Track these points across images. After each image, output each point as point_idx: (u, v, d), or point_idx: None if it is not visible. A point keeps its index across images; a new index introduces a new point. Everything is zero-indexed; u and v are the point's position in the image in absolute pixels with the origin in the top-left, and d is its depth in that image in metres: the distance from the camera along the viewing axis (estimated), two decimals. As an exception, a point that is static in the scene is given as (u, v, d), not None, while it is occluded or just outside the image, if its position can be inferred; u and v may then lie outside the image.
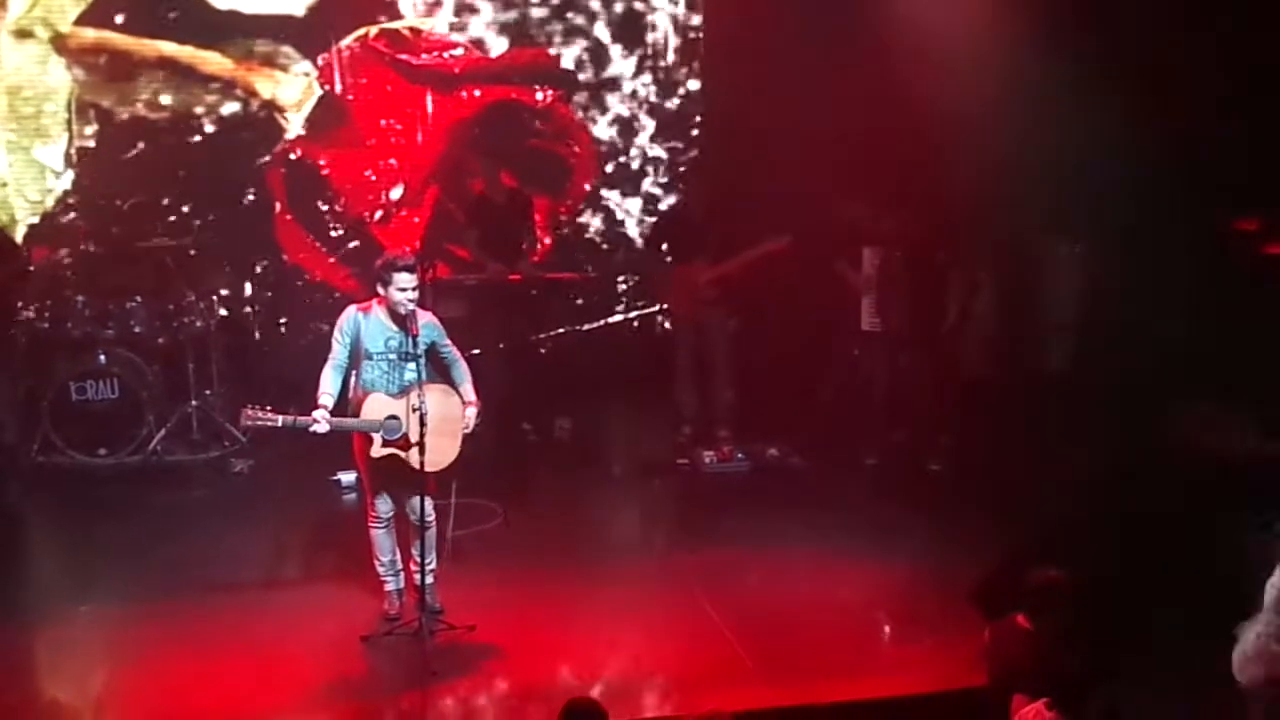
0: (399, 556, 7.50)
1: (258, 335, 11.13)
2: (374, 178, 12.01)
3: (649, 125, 12.49)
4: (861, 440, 10.23)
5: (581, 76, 12.30)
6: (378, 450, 7.02)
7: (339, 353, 7.12)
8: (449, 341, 7.34)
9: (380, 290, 7.08)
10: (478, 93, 12.08)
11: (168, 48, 11.49)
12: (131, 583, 8.04)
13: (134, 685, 6.91)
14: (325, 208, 12.00)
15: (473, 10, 12.05)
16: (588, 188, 12.43)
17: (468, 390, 7.33)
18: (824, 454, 10.23)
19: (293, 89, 11.75)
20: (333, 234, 12.00)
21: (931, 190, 10.00)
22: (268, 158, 11.78)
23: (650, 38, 12.38)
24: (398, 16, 11.90)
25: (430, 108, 12.03)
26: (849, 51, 10.46)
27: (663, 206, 12.39)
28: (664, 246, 10.82)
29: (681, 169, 12.47)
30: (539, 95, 12.19)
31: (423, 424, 6.82)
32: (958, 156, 10.11)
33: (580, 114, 12.34)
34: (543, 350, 11.84)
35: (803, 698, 6.66)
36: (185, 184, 11.55)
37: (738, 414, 10.53)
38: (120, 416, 10.18)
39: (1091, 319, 10.49)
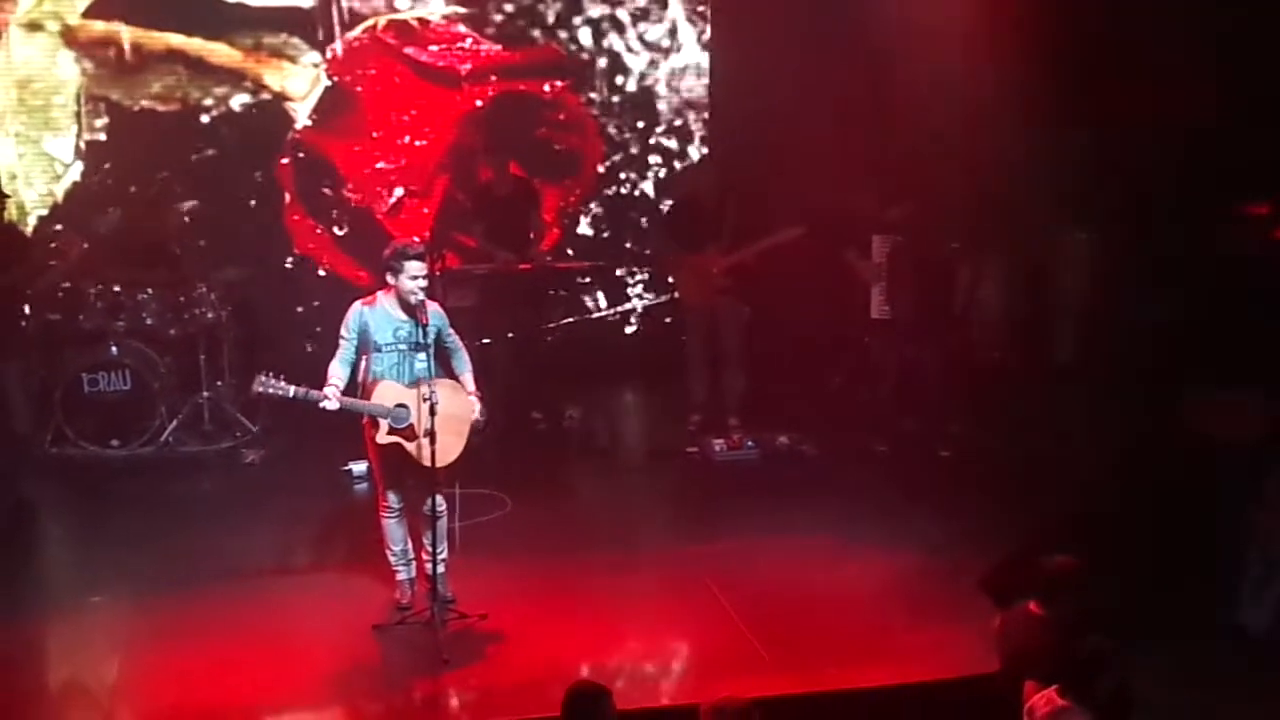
0: (411, 546, 7.51)
1: (268, 327, 11.14)
2: (383, 168, 12.02)
3: (659, 114, 12.48)
4: (872, 428, 10.23)
5: (590, 65, 12.29)
6: (383, 437, 7.02)
7: (346, 349, 7.11)
8: (453, 330, 7.35)
9: (390, 280, 7.08)
10: (486, 83, 12.08)
11: (176, 40, 11.50)
12: (144, 573, 8.05)
13: (146, 675, 6.94)
14: (334, 198, 12.00)
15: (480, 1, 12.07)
16: (597, 177, 12.43)
17: (468, 380, 7.35)
18: (834, 442, 10.24)
19: (301, 80, 11.76)
20: (342, 224, 11.99)
21: (940, 179, 10.00)
22: (277, 149, 11.78)
23: (660, 27, 12.36)
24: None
25: (439, 98, 12.04)
26: (859, 41, 10.45)
27: (673, 196, 12.37)
28: (675, 235, 10.81)
29: (692, 158, 12.45)
30: (548, 86, 12.19)
31: (434, 414, 6.84)
32: (966, 145, 10.11)
33: (589, 104, 12.33)
34: (551, 339, 11.85)
35: (814, 685, 6.68)
36: (195, 175, 11.55)
37: (748, 402, 10.53)
38: (132, 408, 10.20)
39: (1100, 306, 10.47)
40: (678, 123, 12.53)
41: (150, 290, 10.37)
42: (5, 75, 11.26)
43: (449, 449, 7.16)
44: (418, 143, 12.05)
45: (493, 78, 12.09)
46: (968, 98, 10.00)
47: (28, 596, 7.83)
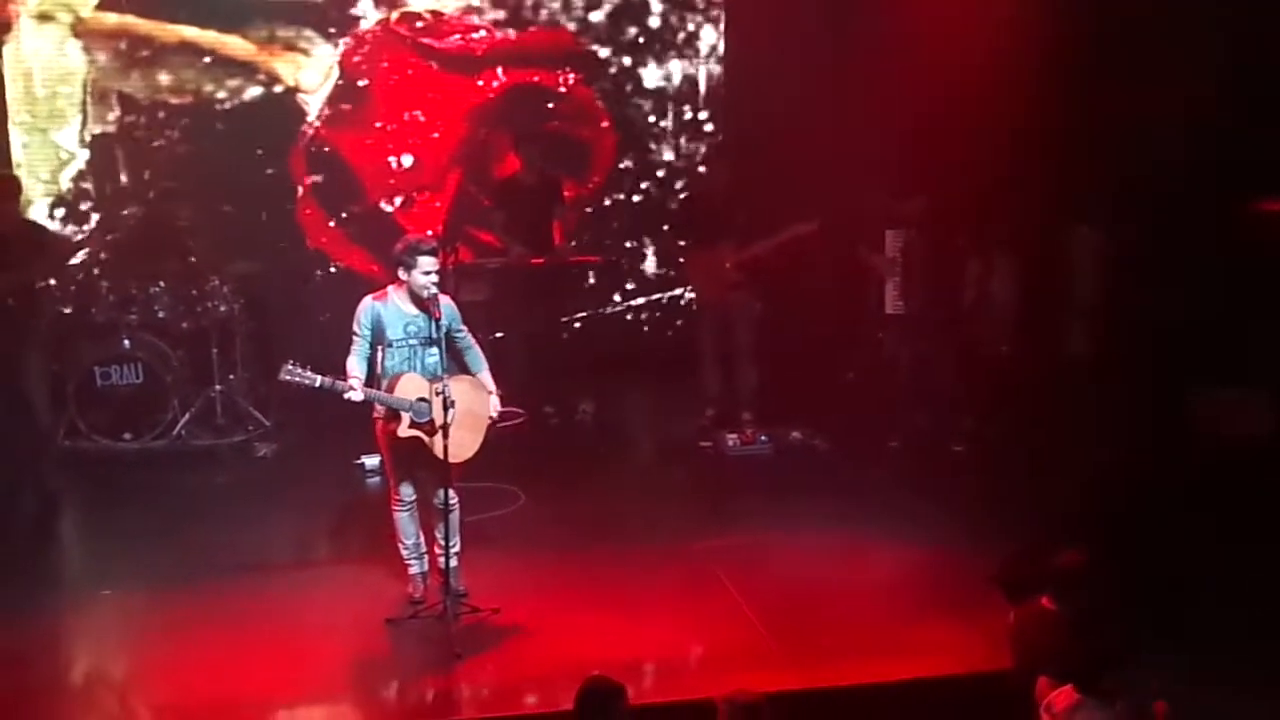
0: (423, 540, 7.51)
1: (280, 320, 11.15)
2: (396, 161, 12.02)
3: (672, 108, 12.46)
4: (885, 423, 10.22)
5: (604, 57, 12.28)
6: (404, 430, 7.02)
7: (361, 344, 7.11)
8: (464, 327, 7.35)
9: (402, 274, 7.07)
10: (499, 76, 12.08)
11: (189, 32, 11.51)
12: (156, 566, 8.07)
13: (158, 668, 6.95)
14: (347, 191, 12.00)
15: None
16: (610, 171, 12.42)
17: (487, 378, 7.36)
18: (847, 437, 10.22)
19: (314, 73, 11.76)
20: (354, 217, 11.99)
21: (953, 173, 9.98)
22: (290, 142, 11.78)
23: (675, 20, 12.34)
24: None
25: (451, 91, 12.03)
26: (872, 34, 10.42)
27: (687, 190, 12.35)
28: (688, 231, 10.79)
29: (705, 152, 12.43)
30: (560, 78, 12.18)
31: (446, 408, 6.84)
32: (980, 139, 10.08)
33: (602, 97, 12.31)
34: (565, 334, 11.84)
35: (827, 680, 6.67)
36: (208, 168, 11.56)
37: (761, 397, 10.53)
38: (145, 401, 10.23)
39: (1112, 302, 10.44)
40: (690, 117, 12.51)
41: (162, 283, 10.39)
42: (15, 66, 11.26)
43: (467, 445, 7.17)
44: (433, 133, 12.04)
45: (506, 70, 12.07)
46: (979, 93, 9.97)
47: (40, 589, 7.85)
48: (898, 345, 10.24)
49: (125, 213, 11.02)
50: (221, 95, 11.66)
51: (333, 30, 11.77)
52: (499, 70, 12.08)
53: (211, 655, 6.89)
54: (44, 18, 11.29)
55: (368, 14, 11.81)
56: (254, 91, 11.72)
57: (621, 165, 12.44)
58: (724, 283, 10.34)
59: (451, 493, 7.18)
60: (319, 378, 6.90)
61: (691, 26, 12.39)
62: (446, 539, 7.18)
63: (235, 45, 11.58)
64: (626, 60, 12.35)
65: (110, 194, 11.35)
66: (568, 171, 11.90)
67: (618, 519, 8.88)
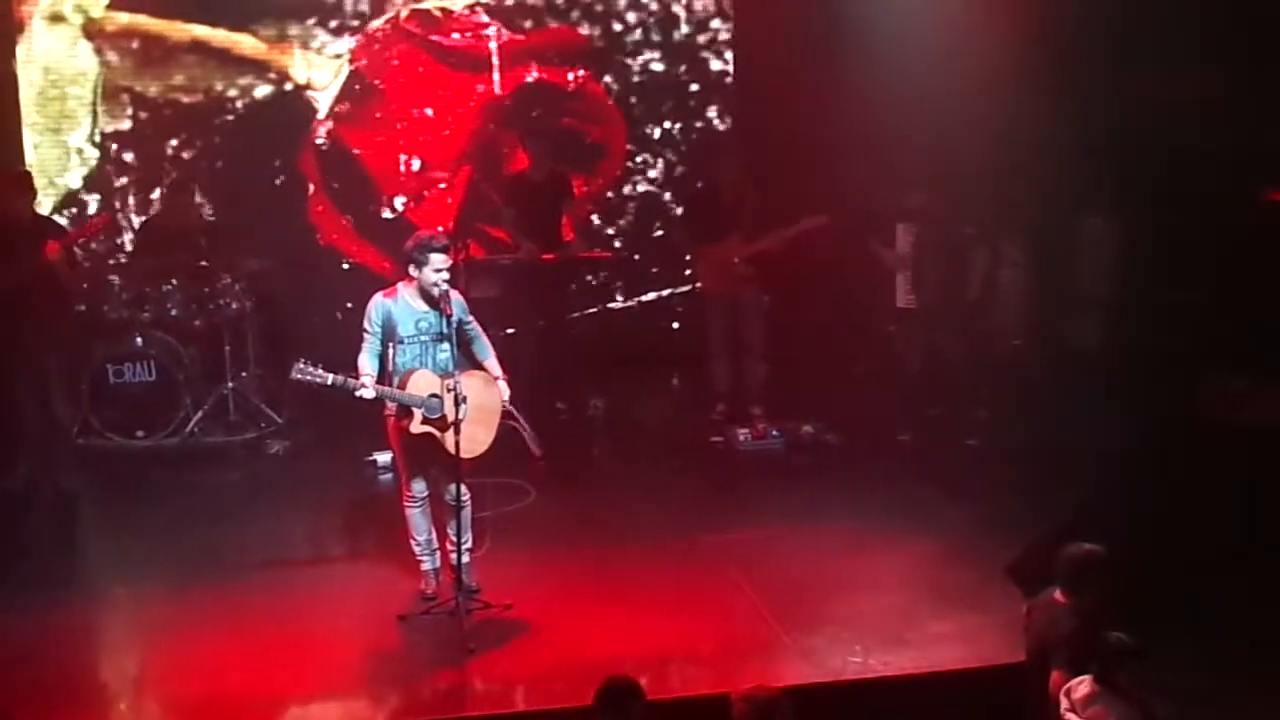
0: (435, 536, 7.52)
1: (292, 317, 11.16)
2: (407, 158, 12.02)
3: (681, 103, 12.45)
4: (896, 417, 10.20)
5: (613, 53, 12.27)
6: (417, 426, 7.02)
7: (372, 341, 7.12)
8: (472, 318, 7.36)
9: (413, 271, 7.08)
10: (510, 72, 12.07)
11: (200, 31, 11.51)
12: (169, 563, 8.09)
13: (172, 665, 6.97)
14: (358, 189, 12.00)
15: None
16: (621, 166, 12.41)
17: (493, 365, 7.36)
18: (859, 431, 10.20)
19: (325, 71, 11.77)
20: (366, 215, 12.00)
21: (961, 166, 9.96)
22: (301, 139, 11.79)
23: (683, 14, 12.33)
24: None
25: (462, 88, 12.03)
26: (882, 26, 10.40)
27: (695, 185, 12.33)
28: (696, 225, 10.79)
29: (714, 147, 12.41)
30: (570, 75, 12.18)
31: (457, 405, 6.84)
32: (990, 131, 10.07)
33: (611, 93, 12.31)
34: (576, 330, 11.84)
35: (840, 674, 6.68)
36: (220, 166, 11.58)
37: (772, 392, 10.52)
38: (157, 399, 10.24)
39: (1124, 293, 10.43)
40: (699, 111, 12.48)
41: (175, 281, 10.40)
42: (27, 66, 11.26)
43: (480, 440, 7.17)
44: (444, 130, 12.04)
45: (516, 66, 12.07)
46: (990, 85, 9.95)
47: (54, 587, 7.86)
48: (909, 339, 10.22)
49: (136, 212, 11.04)
50: (232, 93, 11.65)
51: (343, 28, 11.76)
52: (509, 66, 12.06)
53: (224, 651, 6.91)
54: (55, 18, 11.30)
55: (378, 11, 11.79)
56: (264, 90, 11.71)
57: (631, 161, 12.42)
58: (732, 277, 10.34)
59: (464, 488, 7.19)
60: (330, 376, 6.91)
61: (701, 21, 12.35)
62: (458, 535, 7.19)
63: (246, 44, 11.58)
64: (636, 55, 12.32)
65: (121, 193, 11.35)
66: (578, 167, 11.89)
67: (629, 515, 8.88)
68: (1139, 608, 5.98)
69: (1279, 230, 9.55)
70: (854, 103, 10.48)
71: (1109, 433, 9.20)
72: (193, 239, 10.55)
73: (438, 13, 11.92)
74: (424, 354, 7.12)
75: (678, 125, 12.46)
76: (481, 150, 12.08)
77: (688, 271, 12.06)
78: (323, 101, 11.83)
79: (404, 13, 11.85)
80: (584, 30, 12.20)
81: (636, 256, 12.38)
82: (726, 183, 10.51)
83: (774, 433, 10.16)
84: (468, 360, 7.31)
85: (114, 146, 11.50)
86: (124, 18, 11.38)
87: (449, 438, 6.95)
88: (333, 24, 11.75)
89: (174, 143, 11.54)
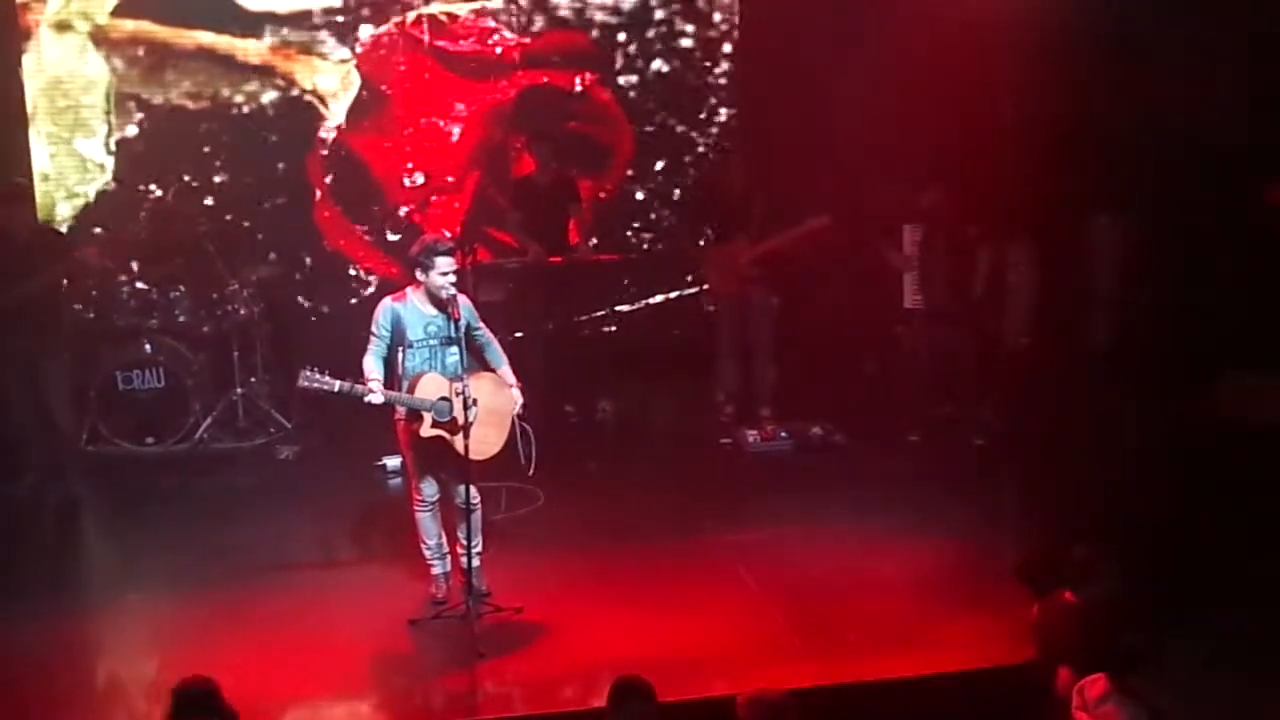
0: (445, 540, 7.53)
1: (300, 323, 11.17)
2: (413, 163, 12.03)
3: (686, 105, 12.44)
4: (905, 417, 10.20)
5: (619, 55, 12.27)
6: (427, 430, 7.03)
7: (379, 345, 7.12)
8: (482, 324, 7.35)
9: (419, 276, 7.08)
10: (516, 76, 12.08)
11: (205, 37, 11.52)
12: (180, 569, 8.11)
13: (181, 670, 6.90)
14: (365, 194, 12.01)
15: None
16: (627, 170, 12.41)
17: (507, 372, 7.36)
18: (867, 432, 10.20)
19: (331, 77, 11.78)
20: (373, 220, 12.01)
21: (970, 165, 9.95)
22: (307, 145, 11.80)
23: (689, 15, 12.33)
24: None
25: (468, 93, 12.04)
26: (887, 26, 10.40)
27: (703, 186, 12.33)
28: (704, 226, 10.78)
29: (720, 148, 12.41)
30: (576, 78, 12.18)
31: (467, 407, 6.85)
32: (998, 130, 10.06)
33: (618, 96, 12.31)
34: (584, 333, 11.84)
35: (850, 675, 6.67)
36: (226, 173, 11.59)
37: (780, 393, 10.52)
38: (166, 405, 10.27)
39: (1133, 290, 10.41)
40: (705, 113, 12.48)
41: (183, 287, 10.43)
42: (36, 75, 11.29)
43: (491, 441, 7.18)
44: (450, 135, 12.05)
45: (522, 70, 12.08)
46: (997, 83, 9.95)
47: (65, 593, 7.88)
48: (917, 339, 10.22)
49: (146, 216, 11.07)
50: (239, 100, 11.67)
51: (349, 34, 11.77)
52: (515, 71, 12.07)
53: (234, 657, 6.88)
54: (62, 26, 11.31)
55: (384, 17, 11.80)
56: (271, 95, 11.73)
57: (638, 163, 12.42)
58: (739, 278, 10.34)
59: (474, 492, 7.19)
60: (337, 382, 6.91)
61: (707, 22, 12.35)
62: (469, 538, 7.19)
63: (252, 49, 11.60)
64: (642, 58, 12.31)
65: (132, 200, 11.37)
66: (584, 170, 11.89)
67: (638, 517, 8.87)
68: (1150, 607, 5.97)
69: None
70: (860, 104, 10.48)
71: (1121, 432, 9.18)
72: (201, 245, 10.56)
73: (444, 18, 11.93)
74: (433, 357, 7.12)
75: (684, 128, 12.45)
76: (489, 155, 12.08)
77: (695, 274, 12.06)
78: (330, 107, 11.84)
79: (410, 17, 11.86)
80: (590, 34, 12.20)
81: (644, 259, 12.37)
82: (733, 184, 10.51)
83: (783, 434, 10.17)
84: (478, 363, 7.31)
85: (125, 154, 11.48)
86: (129, 24, 11.40)
87: (459, 440, 6.96)
88: (339, 30, 11.76)
89: (181, 149, 11.53)
